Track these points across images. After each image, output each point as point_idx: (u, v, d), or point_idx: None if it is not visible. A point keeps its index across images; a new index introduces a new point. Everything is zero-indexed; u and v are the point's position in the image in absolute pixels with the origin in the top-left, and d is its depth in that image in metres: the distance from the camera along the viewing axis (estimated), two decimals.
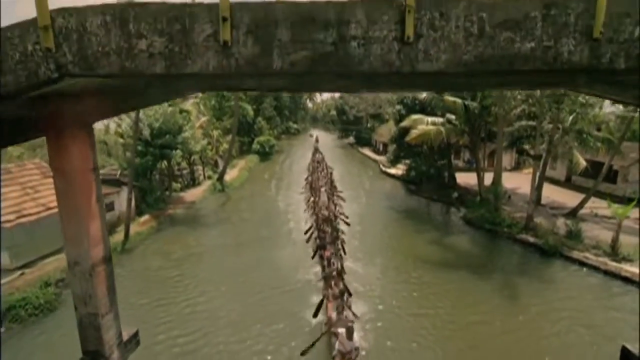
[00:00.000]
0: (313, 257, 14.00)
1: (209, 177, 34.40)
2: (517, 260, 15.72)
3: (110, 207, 18.25)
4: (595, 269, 13.93)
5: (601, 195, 21.56)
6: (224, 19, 2.43)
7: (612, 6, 2.33)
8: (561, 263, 14.90)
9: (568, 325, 10.52)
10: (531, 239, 16.88)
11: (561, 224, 17.54)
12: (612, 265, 13.76)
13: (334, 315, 8.80)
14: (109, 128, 48.89)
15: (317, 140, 51.65)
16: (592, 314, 11.17)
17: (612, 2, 2.33)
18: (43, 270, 13.53)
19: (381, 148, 50.28)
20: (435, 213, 23.66)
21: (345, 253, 13.66)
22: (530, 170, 26.69)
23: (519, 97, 18.52)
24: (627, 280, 13.00)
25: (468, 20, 2.40)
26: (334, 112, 72.62)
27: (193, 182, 30.90)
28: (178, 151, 24.18)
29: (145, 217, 21.18)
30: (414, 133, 20.58)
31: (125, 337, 5.80)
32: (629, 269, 13.40)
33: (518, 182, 26.01)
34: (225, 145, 38.95)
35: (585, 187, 23.41)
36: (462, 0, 2.39)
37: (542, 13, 2.37)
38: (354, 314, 9.30)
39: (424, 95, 22.61)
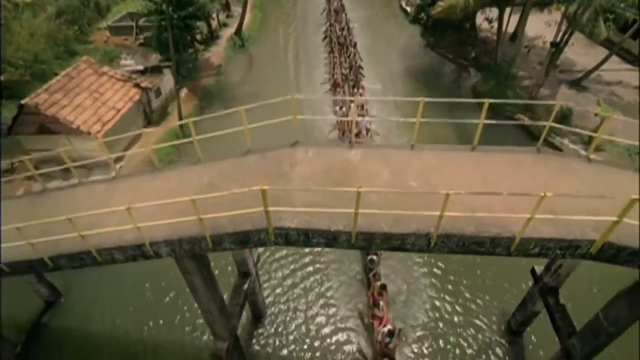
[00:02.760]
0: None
1: (224, 24, 33.57)
2: (506, 143, 19.10)
3: (158, 92, 20.60)
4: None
5: (625, 53, 23.03)
6: (351, 235, 5.57)
7: (522, 239, 5.41)
8: (544, 149, 18.42)
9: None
10: (526, 121, 19.79)
11: (561, 96, 19.96)
12: (582, 154, 17.31)
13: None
14: None
15: None
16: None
17: (522, 239, 5.40)
18: (131, 162, 17.55)
19: None
20: (448, 80, 25.43)
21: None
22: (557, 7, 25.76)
23: None
24: None
25: (458, 239, 5.53)
26: None
27: (211, 35, 30.73)
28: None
29: (185, 91, 23.53)
30: (439, 6, 20.16)
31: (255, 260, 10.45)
32: (592, 157, 17.04)
33: (541, 26, 25.31)
34: None
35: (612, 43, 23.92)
36: (457, 235, 5.46)
37: (489, 250, 5.49)
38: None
39: None
